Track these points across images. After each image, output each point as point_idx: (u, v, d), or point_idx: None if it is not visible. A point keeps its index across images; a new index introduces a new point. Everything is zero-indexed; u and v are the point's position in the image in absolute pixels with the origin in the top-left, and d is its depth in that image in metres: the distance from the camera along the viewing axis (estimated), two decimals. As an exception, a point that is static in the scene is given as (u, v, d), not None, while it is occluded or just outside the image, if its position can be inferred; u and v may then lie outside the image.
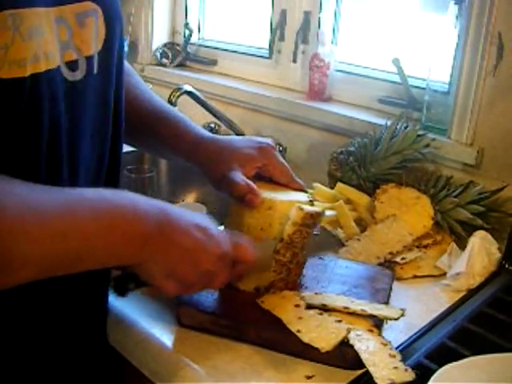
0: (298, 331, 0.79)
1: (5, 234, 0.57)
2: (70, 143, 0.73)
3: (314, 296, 0.87)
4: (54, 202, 0.63)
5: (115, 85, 0.83)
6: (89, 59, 0.75)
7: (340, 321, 0.80)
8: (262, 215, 0.88)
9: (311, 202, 0.91)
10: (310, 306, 0.84)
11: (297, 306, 0.84)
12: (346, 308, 0.83)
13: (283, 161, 0.97)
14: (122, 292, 0.82)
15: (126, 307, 0.91)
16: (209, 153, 0.95)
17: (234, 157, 0.94)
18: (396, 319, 0.83)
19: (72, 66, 0.72)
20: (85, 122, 0.77)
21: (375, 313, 0.82)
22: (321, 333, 0.78)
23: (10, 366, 0.76)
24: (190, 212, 0.77)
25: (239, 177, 0.90)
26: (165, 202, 0.75)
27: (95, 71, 0.77)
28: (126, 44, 2.07)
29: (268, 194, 0.89)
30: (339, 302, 0.85)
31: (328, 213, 1.19)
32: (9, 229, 0.57)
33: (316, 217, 0.86)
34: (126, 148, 1.13)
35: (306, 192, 0.96)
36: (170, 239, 0.71)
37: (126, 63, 1.06)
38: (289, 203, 0.87)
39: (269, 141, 0.98)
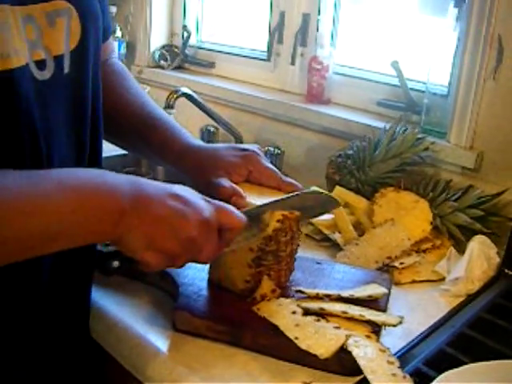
0: (296, 338, 0.78)
1: None
2: (46, 143, 0.73)
3: (312, 301, 0.86)
4: (24, 182, 0.62)
5: (92, 84, 0.83)
6: (58, 59, 0.74)
7: (338, 327, 0.79)
8: None
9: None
10: (307, 313, 0.83)
11: (293, 312, 0.83)
12: (344, 313, 0.82)
13: (270, 165, 0.96)
14: (106, 271, 0.80)
15: (121, 311, 0.90)
16: (195, 161, 0.95)
17: (219, 164, 0.93)
18: (394, 325, 0.82)
19: (40, 65, 0.72)
20: (58, 122, 0.77)
21: (374, 318, 0.82)
22: (319, 339, 0.77)
23: None
24: (167, 184, 0.75)
25: (224, 181, 0.89)
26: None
27: (66, 70, 0.76)
28: (123, 46, 2.07)
29: (252, 199, 0.88)
30: (337, 306, 0.84)
31: (325, 216, 1.19)
32: None
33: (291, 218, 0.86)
34: (124, 150, 1.12)
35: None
36: (145, 210, 0.69)
37: (121, 64, 1.06)
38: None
39: (255, 147, 0.98)
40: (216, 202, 0.77)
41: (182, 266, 0.76)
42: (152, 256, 0.70)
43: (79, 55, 0.78)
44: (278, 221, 0.84)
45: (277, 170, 0.95)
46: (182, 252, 0.72)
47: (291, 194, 0.89)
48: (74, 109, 0.79)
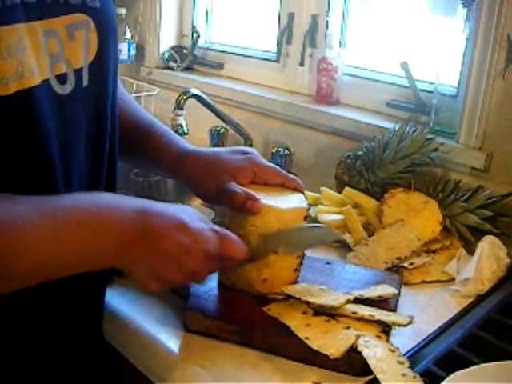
0: (307, 338, 0.78)
1: None
2: (63, 156, 0.74)
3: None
4: (31, 214, 0.63)
5: (112, 96, 0.83)
6: (77, 72, 0.75)
7: (348, 327, 0.80)
8: (261, 223, 0.86)
9: (308, 207, 0.91)
10: (317, 313, 0.83)
11: (304, 313, 0.83)
12: (354, 313, 0.82)
13: (271, 164, 0.95)
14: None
15: (132, 311, 0.91)
16: (195, 167, 0.94)
17: (223, 168, 0.92)
18: (404, 326, 0.82)
19: (61, 78, 0.72)
20: (78, 135, 0.77)
21: (384, 318, 0.82)
22: (329, 339, 0.78)
23: (4, 363, 0.77)
24: (174, 208, 0.75)
25: (236, 186, 0.88)
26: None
27: (85, 84, 0.76)
28: (132, 47, 2.07)
29: (267, 201, 0.87)
30: (347, 306, 0.84)
31: (335, 217, 1.19)
32: None
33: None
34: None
35: (303, 193, 0.94)
36: (152, 245, 0.70)
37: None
38: (288, 211, 0.87)
39: (252, 149, 0.97)
40: (221, 230, 0.78)
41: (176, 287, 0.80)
42: (153, 284, 0.72)
43: (97, 68, 0.78)
44: None
45: (279, 168, 0.95)
46: (182, 280, 0.75)
47: (294, 228, 0.88)
48: (93, 122, 0.80)
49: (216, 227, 0.78)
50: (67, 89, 0.73)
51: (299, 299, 0.84)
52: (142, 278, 0.72)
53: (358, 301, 0.86)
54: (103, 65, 0.80)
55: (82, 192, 0.79)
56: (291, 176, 0.95)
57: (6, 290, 0.64)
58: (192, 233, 0.73)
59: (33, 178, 0.70)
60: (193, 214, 0.76)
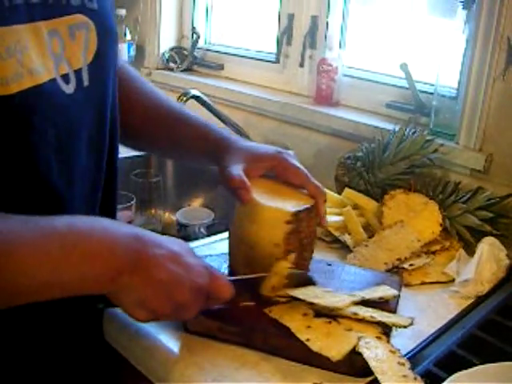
0: (308, 340, 0.78)
1: None
2: (64, 156, 0.74)
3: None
4: (25, 236, 0.63)
5: (111, 96, 0.84)
6: (77, 72, 0.75)
7: (350, 329, 0.80)
8: (263, 224, 0.87)
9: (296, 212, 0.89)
10: (318, 314, 0.83)
11: (305, 314, 0.83)
12: (355, 314, 0.82)
13: (298, 164, 0.94)
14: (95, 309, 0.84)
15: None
16: (225, 151, 0.94)
17: (242, 153, 0.92)
18: (405, 327, 0.82)
19: (65, 78, 0.73)
20: (80, 135, 0.77)
21: (384, 320, 0.82)
22: (330, 341, 0.78)
23: (5, 363, 0.77)
24: (168, 240, 0.75)
25: (236, 169, 0.87)
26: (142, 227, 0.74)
27: (86, 84, 0.77)
28: (132, 48, 2.08)
29: (260, 197, 0.87)
30: (348, 308, 0.84)
31: (335, 218, 1.19)
32: None
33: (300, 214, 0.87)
34: (132, 153, 1.13)
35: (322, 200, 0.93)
36: (145, 273, 0.69)
37: (131, 68, 1.06)
38: (275, 209, 0.86)
39: (290, 152, 0.96)
40: (211, 268, 0.78)
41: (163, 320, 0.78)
42: (140, 313, 0.72)
43: (97, 68, 0.79)
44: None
45: (305, 170, 0.93)
46: (170, 313, 0.73)
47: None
48: (94, 122, 0.80)
49: (207, 264, 0.78)
50: (70, 89, 0.73)
51: (304, 301, 0.84)
52: (130, 306, 0.71)
53: (358, 302, 0.86)
54: (102, 65, 0.80)
55: (85, 194, 0.79)
56: (316, 183, 0.92)
57: None
58: (185, 265, 0.72)
59: (33, 180, 0.70)
60: (186, 248, 0.76)
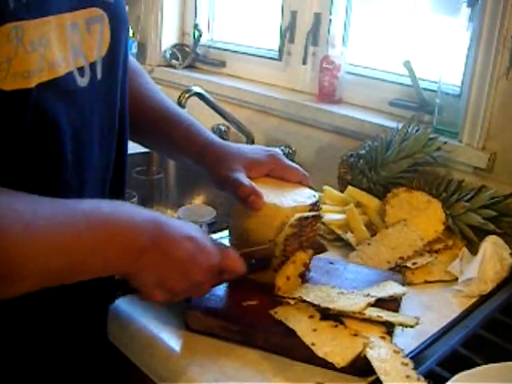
0: (313, 344, 0.78)
1: (5, 248, 0.58)
2: (77, 150, 0.73)
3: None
4: (53, 217, 0.64)
5: (121, 91, 0.84)
6: (92, 65, 0.75)
7: (356, 334, 0.79)
8: (263, 220, 0.88)
9: (316, 205, 0.91)
10: (324, 316, 0.82)
11: (311, 316, 0.82)
12: (361, 314, 0.82)
13: (293, 164, 0.98)
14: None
15: (134, 311, 0.90)
16: (217, 155, 0.96)
17: (241, 160, 0.94)
18: (412, 327, 0.81)
19: (80, 71, 0.72)
20: (92, 128, 0.77)
21: (391, 319, 0.81)
22: (336, 347, 0.77)
23: (8, 362, 0.76)
24: (183, 223, 0.80)
25: (244, 178, 0.90)
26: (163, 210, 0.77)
27: (99, 77, 0.77)
28: (134, 45, 2.07)
29: (271, 199, 0.89)
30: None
31: (337, 216, 1.19)
32: (9, 243, 0.58)
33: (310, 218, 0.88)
34: (135, 150, 1.13)
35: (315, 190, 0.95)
36: (164, 251, 0.73)
37: (135, 62, 1.06)
38: (291, 209, 0.88)
39: (277, 149, 1.00)
40: (223, 246, 0.83)
41: (177, 300, 0.81)
42: (159, 293, 0.75)
43: (109, 62, 0.79)
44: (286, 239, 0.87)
45: (299, 167, 0.98)
46: (186, 292, 0.78)
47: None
48: (105, 116, 0.80)
49: (218, 242, 0.83)
50: (85, 82, 0.73)
51: (319, 306, 0.83)
52: (149, 286, 0.74)
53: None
54: (115, 59, 0.81)
55: (96, 189, 0.80)
56: (309, 182, 0.97)
57: (11, 294, 0.63)
58: (199, 245, 0.76)
59: (47, 173, 0.70)
60: (198, 230, 0.80)
